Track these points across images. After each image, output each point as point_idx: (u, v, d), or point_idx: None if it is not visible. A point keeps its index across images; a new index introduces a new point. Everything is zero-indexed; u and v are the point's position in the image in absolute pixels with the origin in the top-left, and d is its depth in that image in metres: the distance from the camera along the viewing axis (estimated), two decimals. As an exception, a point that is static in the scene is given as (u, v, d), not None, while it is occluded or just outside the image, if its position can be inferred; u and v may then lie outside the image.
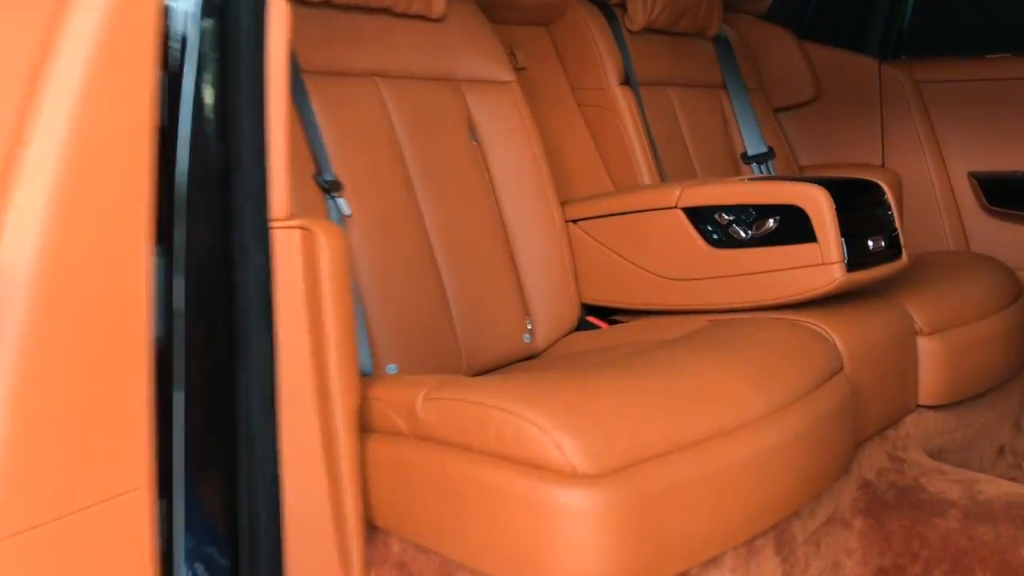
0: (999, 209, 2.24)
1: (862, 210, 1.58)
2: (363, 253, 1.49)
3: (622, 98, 2.09)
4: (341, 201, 1.49)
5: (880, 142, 2.42)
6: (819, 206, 1.49)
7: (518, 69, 2.08)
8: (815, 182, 1.54)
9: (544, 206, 1.80)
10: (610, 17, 2.16)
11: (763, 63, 2.53)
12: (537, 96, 2.09)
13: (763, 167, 2.41)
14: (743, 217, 1.58)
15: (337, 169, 1.50)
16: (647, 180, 2.07)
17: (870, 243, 1.55)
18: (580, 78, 2.14)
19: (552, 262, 1.79)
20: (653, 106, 2.19)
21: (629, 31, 2.19)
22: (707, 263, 1.62)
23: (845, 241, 1.49)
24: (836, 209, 1.49)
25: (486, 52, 1.81)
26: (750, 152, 2.41)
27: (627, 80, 2.13)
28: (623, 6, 2.20)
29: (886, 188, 1.64)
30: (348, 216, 1.48)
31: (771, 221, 1.55)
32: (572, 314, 1.80)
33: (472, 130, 1.75)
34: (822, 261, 1.49)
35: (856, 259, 1.51)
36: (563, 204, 1.84)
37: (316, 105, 1.51)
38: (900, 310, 1.67)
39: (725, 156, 2.36)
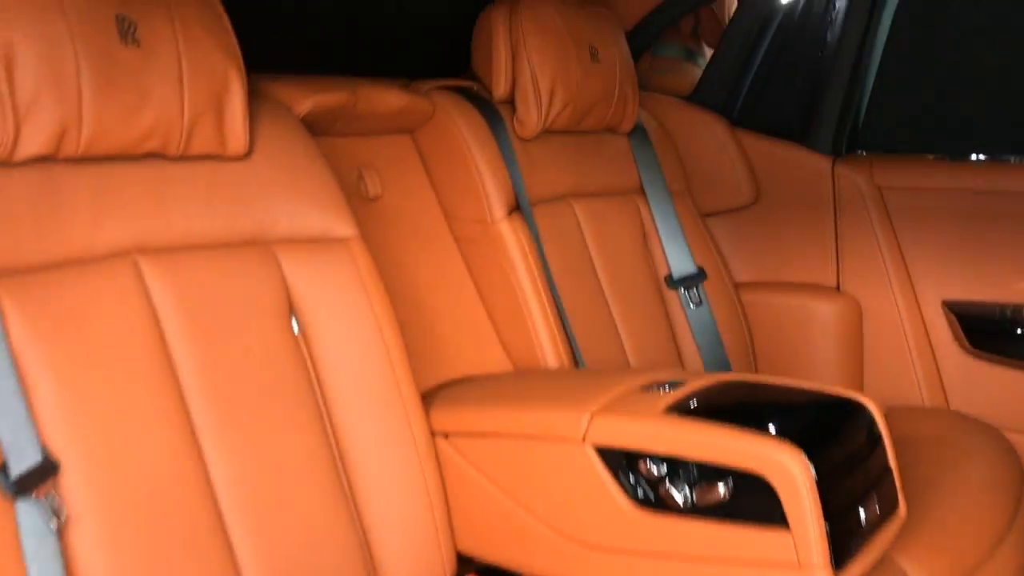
0: (983, 352, 1.81)
1: (849, 462, 1.10)
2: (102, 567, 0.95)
3: (509, 232, 1.57)
4: (50, 500, 0.93)
5: (834, 258, 1.96)
6: (791, 480, 0.99)
7: (370, 199, 1.54)
8: (782, 429, 1.05)
9: (398, 416, 1.26)
10: (493, 121, 1.64)
11: (690, 158, 2.04)
12: (397, 231, 1.56)
13: (692, 292, 1.93)
14: (680, 473, 1.08)
15: (57, 440, 0.95)
16: (543, 337, 1.57)
17: (862, 512, 1.08)
18: (456, 205, 1.62)
19: (410, 498, 1.26)
20: (552, 228, 1.68)
21: (520, 138, 1.68)
22: (631, 531, 1.12)
23: (830, 526, 1.00)
24: (817, 479, 1.01)
25: (313, 195, 1.26)
26: (676, 274, 1.92)
27: (517, 205, 1.62)
28: (511, 103, 1.69)
29: (874, 411, 1.16)
30: (63, 522, 0.93)
31: (721, 486, 1.05)
32: (442, 573, 1.28)
33: (292, 312, 1.22)
34: (797, 561, 1.00)
35: (845, 548, 1.03)
36: (428, 408, 1.32)
37: (16, 329, 0.96)
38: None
39: (645, 282, 1.86)
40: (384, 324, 1.26)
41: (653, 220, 1.92)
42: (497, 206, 1.56)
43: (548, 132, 1.73)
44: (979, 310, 1.82)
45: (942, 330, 1.87)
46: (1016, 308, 1.78)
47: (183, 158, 1.16)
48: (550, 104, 1.66)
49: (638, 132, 1.96)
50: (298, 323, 1.21)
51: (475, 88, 1.70)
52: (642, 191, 1.93)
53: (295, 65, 1.79)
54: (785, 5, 1.96)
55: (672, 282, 1.91)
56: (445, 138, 1.59)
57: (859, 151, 2.00)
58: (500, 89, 1.66)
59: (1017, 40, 1.81)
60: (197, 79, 1.12)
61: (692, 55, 2.45)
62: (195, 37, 1.12)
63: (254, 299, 1.17)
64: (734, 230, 2.07)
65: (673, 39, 2.38)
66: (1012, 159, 1.82)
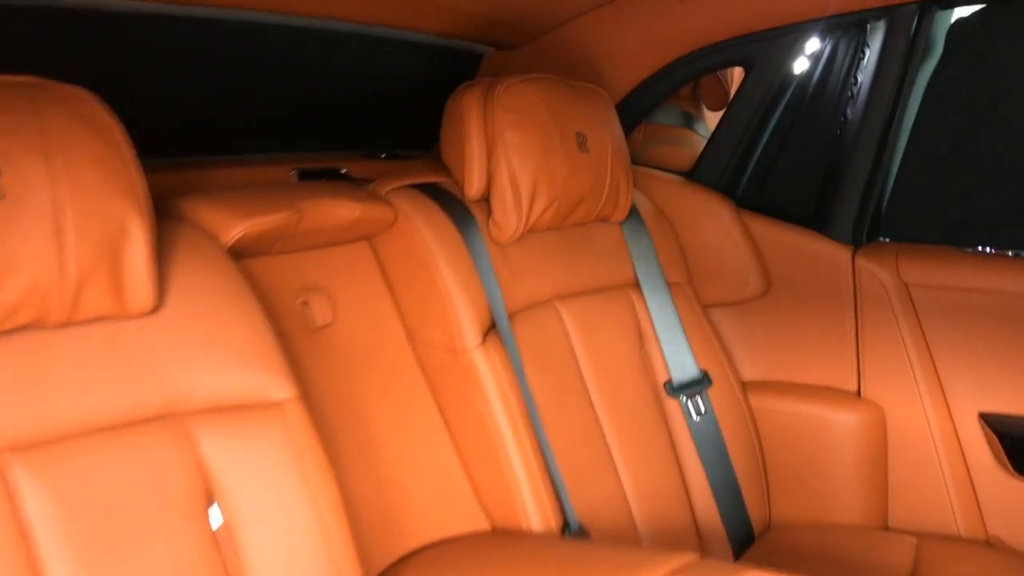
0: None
1: None
2: None
3: (484, 361, 1.34)
4: None
5: (855, 360, 1.74)
6: None
7: (318, 329, 1.31)
8: None
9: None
10: (465, 225, 1.41)
11: (691, 244, 1.82)
12: (351, 364, 1.33)
13: (695, 402, 1.70)
14: None
15: None
16: (525, 491, 1.33)
17: None
18: (422, 328, 1.39)
19: None
20: (534, 341, 1.45)
21: (497, 242, 1.46)
22: None
23: None
24: None
25: (239, 350, 1.03)
26: (677, 380, 1.70)
27: (493, 324, 1.40)
28: (487, 200, 1.47)
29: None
30: None
31: None
32: None
33: (212, 499, 0.99)
34: None
35: None
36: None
37: None
38: None
39: (642, 393, 1.64)
40: (324, 504, 1.03)
41: (650, 318, 1.70)
42: (470, 331, 1.33)
43: (529, 231, 1.52)
44: (1021, 426, 1.61)
45: (979, 447, 1.64)
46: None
47: (70, 324, 0.93)
48: (531, 205, 1.43)
49: (632, 219, 1.73)
50: (220, 511, 0.99)
51: (445, 184, 1.48)
52: (637, 285, 1.71)
53: (261, 144, 1.58)
54: (798, 76, 1.74)
55: (673, 390, 1.69)
56: (408, 250, 1.36)
57: (882, 238, 1.78)
58: (473, 189, 1.44)
59: None
60: (84, 229, 0.89)
61: (691, 121, 2.22)
62: (81, 178, 0.90)
63: (161, 492, 0.94)
64: (741, 324, 1.84)
65: (670, 103, 2.15)
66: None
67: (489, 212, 1.44)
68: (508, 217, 1.42)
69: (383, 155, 1.82)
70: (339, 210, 1.26)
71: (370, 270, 1.38)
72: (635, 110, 1.85)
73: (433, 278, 1.34)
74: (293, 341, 1.23)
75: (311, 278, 1.30)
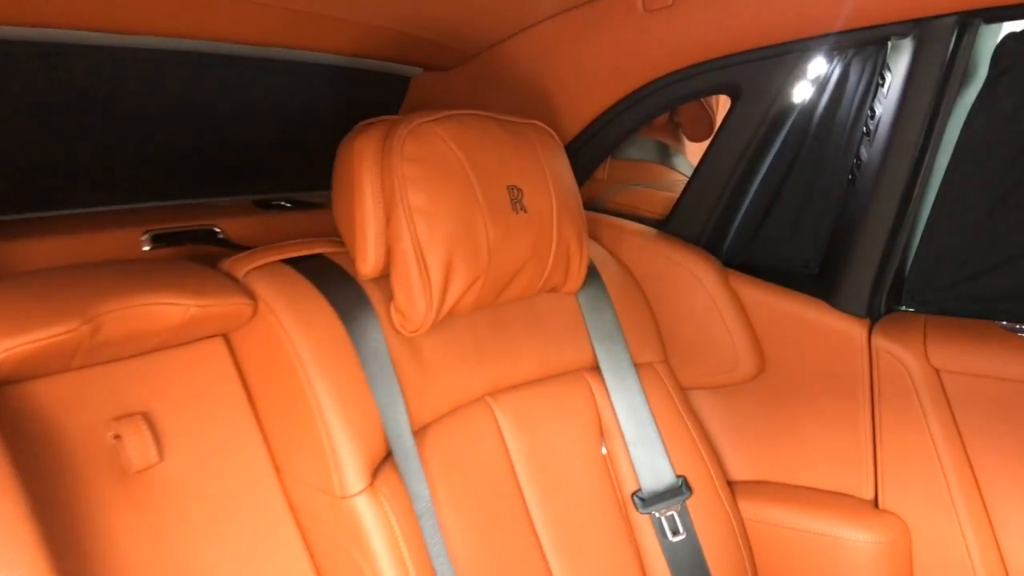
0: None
1: None
2: None
3: (370, 509, 0.98)
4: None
5: (871, 462, 1.38)
6: None
7: (135, 474, 0.95)
8: None
9: None
10: (354, 315, 1.05)
11: (668, 313, 1.47)
12: (185, 517, 0.97)
13: (671, 517, 1.34)
14: None
15: None
16: None
17: None
18: (289, 459, 1.03)
19: None
20: (453, 454, 1.10)
21: (401, 333, 1.11)
22: None
23: None
24: None
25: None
26: (648, 489, 1.34)
27: (389, 453, 1.05)
28: (387, 278, 1.11)
29: None
30: None
31: None
32: None
33: None
34: None
35: None
36: None
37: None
38: None
39: (603, 506, 1.28)
40: None
41: (613, 410, 1.34)
42: (352, 470, 0.97)
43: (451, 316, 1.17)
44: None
45: (1030, 576, 1.30)
46: None
47: None
48: (446, 286, 1.08)
49: (591, 284, 1.38)
50: None
51: (336, 256, 1.13)
52: (597, 368, 1.36)
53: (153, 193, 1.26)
54: (799, 106, 1.39)
55: (643, 502, 1.33)
56: (271, 354, 1.01)
57: (905, 308, 1.43)
58: (367, 265, 1.08)
59: None
60: None
61: (669, 156, 1.85)
62: None
63: None
64: (730, 413, 1.48)
65: (641, 134, 1.79)
66: None
67: (390, 294, 1.09)
68: (414, 304, 1.07)
69: (288, 204, 1.47)
70: (159, 312, 0.90)
71: (224, 379, 1.03)
72: (596, 146, 1.50)
73: (302, 396, 0.98)
74: (99, 492, 0.88)
75: (132, 397, 0.94)
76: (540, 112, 1.38)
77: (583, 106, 1.45)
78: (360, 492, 0.96)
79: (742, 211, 1.47)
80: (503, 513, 1.16)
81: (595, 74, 1.41)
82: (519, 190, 1.15)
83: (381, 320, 1.08)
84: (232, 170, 1.44)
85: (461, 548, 1.07)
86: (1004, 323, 1.33)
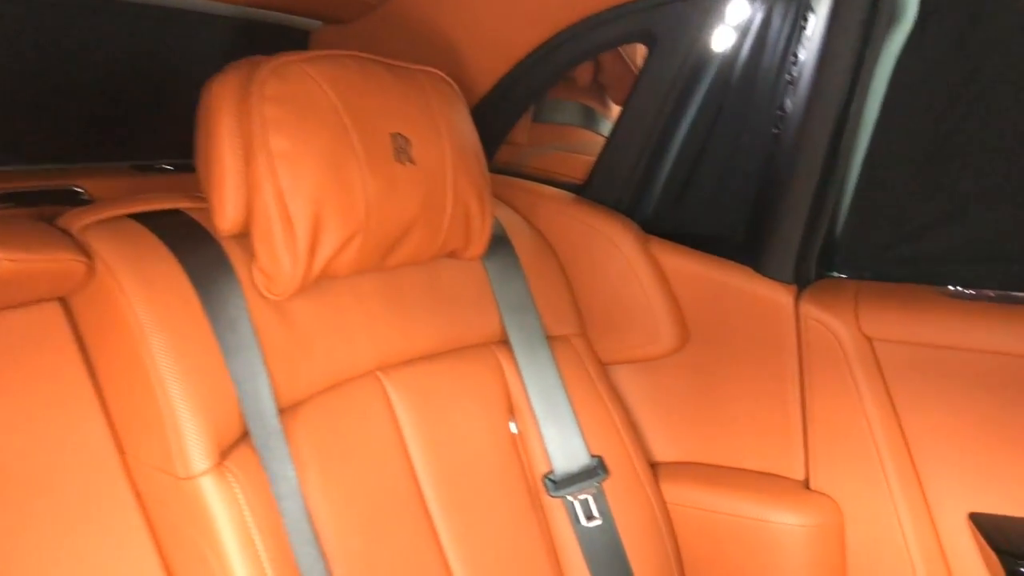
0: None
1: None
2: None
3: (216, 491, 0.86)
4: None
5: (801, 440, 1.29)
6: None
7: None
8: None
9: None
10: (210, 277, 0.93)
11: (584, 284, 1.37)
12: (14, 502, 0.85)
13: (585, 500, 1.24)
14: None
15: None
16: None
17: None
18: (132, 438, 0.91)
19: None
20: (332, 435, 0.99)
21: (267, 297, 1.00)
22: None
23: None
24: None
25: None
26: (560, 471, 1.24)
27: (243, 435, 0.93)
28: (243, 237, 1.00)
29: None
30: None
31: None
32: None
33: None
34: None
35: None
36: None
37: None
38: None
39: (510, 490, 1.17)
40: None
41: (523, 386, 1.24)
42: (196, 448, 0.85)
43: (325, 278, 1.05)
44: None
45: (969, 556, 1.20)
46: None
47: None
48: (315, 242, 0.96)
49: (500, 252, 1.27)
50: None
51: (194, 212, 1.01)
52: (506, 342, 1.25)
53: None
54: (720, 55, 1.28)
55: (555, 485, 1.23)
56: (110, 320, 0.88)
57: (835, 274, 1.33)
58: (225, 219, 0.96)
59: None
60: None
61: (594, 120, 1.74)
62: None
63: None
64: (651, 388, 1.38)
65: (566, 97, 1.69)
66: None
67: (253, 257, 0.98)
68: (278, 262, 0.95)
69: (171, 168, 1.35)
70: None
71: (59, 349, 0.90)
72: (510, 104, 1.39)
73: (142, 366, 0.86)
74: None
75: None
76: (448, 67, 1.27)
77: (493, 59, 1.34)
78: (205, 472, 0.85)
79: (664, 174, 1.37)
80: (392, 498, 1.05)
81: (504, 24, 1.30)
82: (405, 139, 1.04)
83: (243, 283, 0.96)
84: (107, 132, 1.31)
85: (336, 536, 0.96)
86: (941, 287, 1.24)
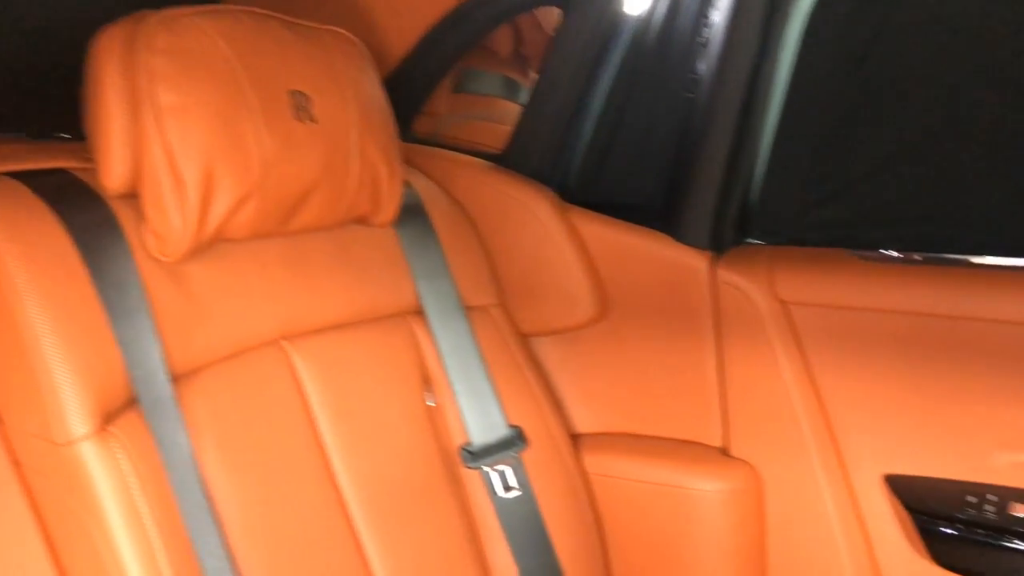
0: (949, 573, 1.17)
1: None
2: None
3: (97, 458, 0.82)
4: None
5: (718, 406, 1.29)
6: None
7: None
8: None
9: None
10: (92, 237, 0.88)
11: (502, 253, 1.35)
12: None
13: (503, 471, 1.22)
14: None
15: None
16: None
17: None
18: (10, 406, 0.87)
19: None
20: (231, 404, 0.95)
21: (159, 259, 0.95)
22: None
23: None
24: None
25: None
26: (478, 442, 1.21)
27: (132, 401, 0.89)
28: (134, 198, 0.95)
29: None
30: None
31: None
32: None
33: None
34: None
35: None
36: None
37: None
38: None
39: (425, 461, 1.14)
40: None
41: (439, 356, 1.21)
42: (75, 414, 0.81)
43: (228, 241, 1.01)
44: (937, 492, 1.18)
45: (885, 522, 1.21)
46: (986, 493, 1.14)
47: None
48: (207, 201, 0.92)
49: (414, 220, 1.25)
50: None
51: (80, 171, 0.96)
52: (421, 312, 1.23)
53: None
54: (634, 19, 1.27)
55: (472, 456, 1.21)
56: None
57: (752, 241, 1.33)
58: (112, 177, 0.91)
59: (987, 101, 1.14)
60: None
61: (517, 91, 1.72)
62: None
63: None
64: (571, 359, 1.36)
65: (485, 67, 1.67)
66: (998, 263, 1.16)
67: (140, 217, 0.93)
68: (169, 222, 0.91)
69: (68, 136, 1.29)
70: None
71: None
72: (425, 73, 1.37)
73: (17, 330, 0.82)
74: None
75: None
76: (361, 33, 1.24)
77: (405, 26, 1.31)
78: (85, 437, 0.80)
79: (583, 142, 1.35)
80: (297, 470, 1.02)
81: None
82: (305, 96, 1.01)
83: (133, 245, 0.92)
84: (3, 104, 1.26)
85: (236, 507, 0.93)
86: (856, 251, 1.24)
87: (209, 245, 0.97)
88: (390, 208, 1.15)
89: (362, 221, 1.16)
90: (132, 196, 0.94)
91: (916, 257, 1.20)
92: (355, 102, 1.07)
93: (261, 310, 1.04)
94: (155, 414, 0.86)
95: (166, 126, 0.89)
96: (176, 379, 0.91)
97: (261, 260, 1.05)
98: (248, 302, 1.03)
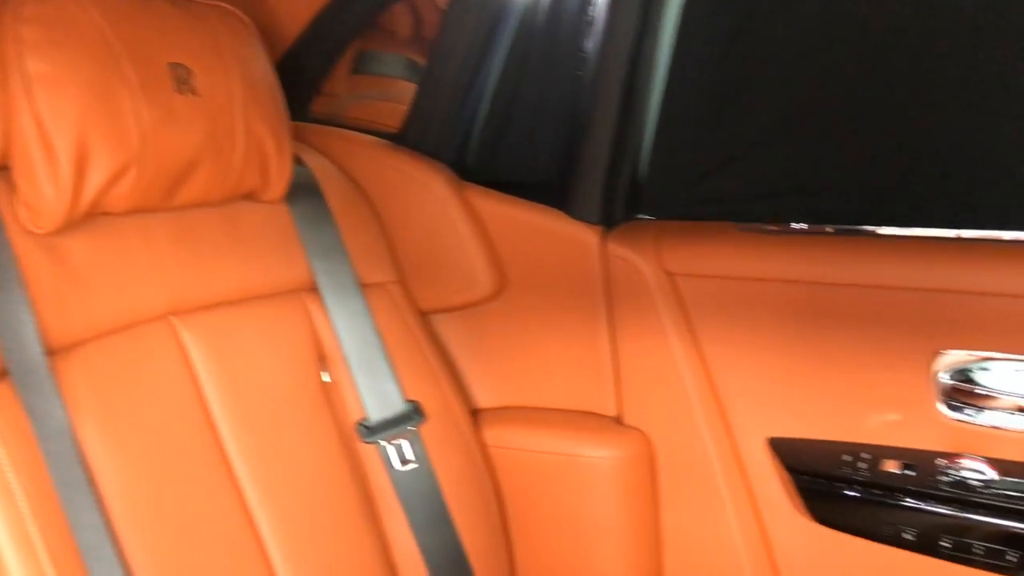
0: (827, 528, 1.22)
1: None
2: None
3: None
4: None
5: (612, 376, 1.32)
6: None
7: None
8: None
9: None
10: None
11: (399, 230, 1.36)
12: None
13: (400, 445, 1.23)
14: None
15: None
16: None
17: None
18: None
19: None
20: (114, 380, 0.95)
21: (33, 233, 0.94)
22: None
23: None
24: None
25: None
26: (375, 417, 1.22)
27: (8, 370, 0.87)
28: (5, 170, 0.93)
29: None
30: None
31: None
32: None
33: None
34: None
35: None
36: None
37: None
38: None
39: (321, 437, 1.15)
40: None
41: (335, 333, 1.22)
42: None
43: (109, 215, 1.01)
44: (815, 453, 1.23)
45: (770, 484, 1.26)
46: (860, 452, 1.19)
47: None
48: (82, 172, 0.92)
49: (307, 197, 1.25)
50: None
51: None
52: (316, 289, 1.23)
53: None
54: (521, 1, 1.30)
55: (368, 431, 1.22)
56: None
57: (642, 216, 1.37)
58: (-20, 146, 0.91)
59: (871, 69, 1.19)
60: None
61: (416, 72, 1.73)
62: None
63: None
64: (470, 335, 1.39)
65: (384, 47, 1.68)
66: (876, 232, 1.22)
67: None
68: (41, 193, 0.90)
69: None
70: None
71: None
72: (321, 52, 1.37)
73: None
74: None
75: None
76: (253, 13, 1.24)
77: (300, 3, 1.32)
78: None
79: (480, 121, 1.38)
80: (187, 447, 1.02)
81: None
82: (186, 69, 1.01)
83: (5, 218, 0.91)
84: None
85: (117, 483, 0.92)
86: (738, 223, 1.29)
87: (87, 217, 0.96)
88: (279, 184, 1.16)
89: (252, 197, 1.16)
90: (3, 167, 0.93)
91: (795, 228, 1.25)
92: (240, 77, 1.07)
93: (147, 285, 1.03)
94: (26, 385, 0.86)
95: (35, 95, 0.88)
96: (53, 352, 0.91)
97: (146, 234, 1.05)
98: (132, 276, 1.02)
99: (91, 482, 0.89)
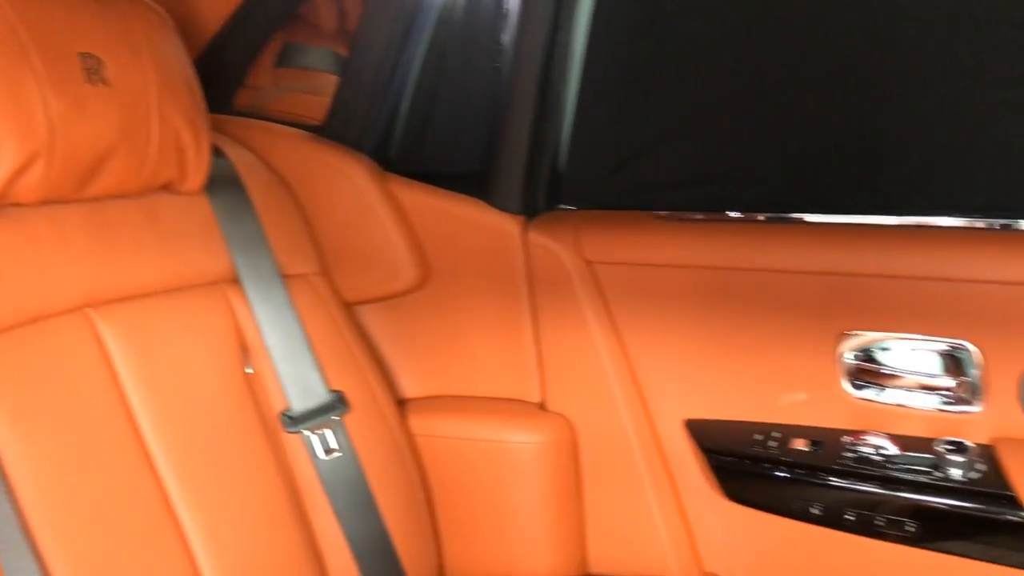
0: (740, 505, 1.27)
1: None
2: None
3: None
4: None
5: (535, 363, 1.35)
6: None
7: None
8: None
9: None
10: None
11: (322, 222, 1.37)
12: None
13: (323, 435, 1.24)
14: None
15: None
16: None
17: None
18: None
19: None
20: (24, 364, 0.94)
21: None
22: None
23: None
24: None
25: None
26: (298, 407, 1.23)
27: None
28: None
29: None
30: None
31: None
32: None
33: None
34: None
35: None
36: None
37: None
38: None
39: (243, 428, 1.15)
40: None
41: (256, 324, 1.22)
42: None
43: (19, 206, 1.00)
44: (729, 433, 1.28)
45: (687, 465, 1.30)
46: (771, 431, 1.24)
47: None
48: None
49: (227, 188, 1.25)
50: None
51: None
52: (237, 281, 1.23)
53: None
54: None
55: (292, 421, 1.22)
56: None
57: (563, 206, 1.40)
58: None
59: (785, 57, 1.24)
60: None
61: (339, 63, 1.74)
62: None
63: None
64: (395, 325, 1.40)
65: (308, 40, 1.68)
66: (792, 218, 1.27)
67: None
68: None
69: None
70: None
71: None
72: (243, 45, 1.37)
73: None
74: None
75: None
76: (172, 6, 1.23)
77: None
78: None
79: (402, 113, 1.39)
80: (105, 441, 1.01)
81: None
82: (97, 59, 1.00)
83: None
84: None
85: (29, 476, 0.91)
86: (653, 212, 1.33)
87: (-3, 209, 0.96)
88: (198, 175, 1.16)
89: (169, 188, 1.16)
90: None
91: (707, 216, 1.30)
92: (154, 68, 1.07)
93: (61, 276, 1.03)
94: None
95: (-61, 86, 0.87)
96: (-38, 345, 0.90)
97: (60, 226, 1.04)
98: (45, 268, 1.01)
99: (2, 475, 0.89)
